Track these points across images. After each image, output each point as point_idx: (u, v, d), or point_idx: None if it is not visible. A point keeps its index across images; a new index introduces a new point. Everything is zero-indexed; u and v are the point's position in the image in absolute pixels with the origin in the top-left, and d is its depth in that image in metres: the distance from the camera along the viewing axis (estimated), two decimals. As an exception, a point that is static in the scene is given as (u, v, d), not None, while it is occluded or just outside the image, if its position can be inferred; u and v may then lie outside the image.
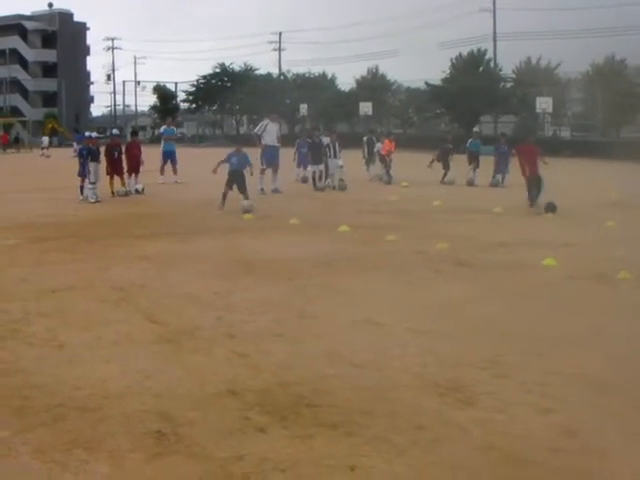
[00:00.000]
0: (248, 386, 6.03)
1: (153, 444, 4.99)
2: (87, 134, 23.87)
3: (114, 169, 22.22)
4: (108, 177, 22.20)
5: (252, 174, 19.48)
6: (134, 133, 27.64)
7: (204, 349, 7.08)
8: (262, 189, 22.76)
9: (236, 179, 18.53)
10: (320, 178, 25.09)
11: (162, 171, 27.21)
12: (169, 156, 27.34)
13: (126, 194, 22.23)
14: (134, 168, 23.33)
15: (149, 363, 6.65)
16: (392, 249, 12.93)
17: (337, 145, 26.29)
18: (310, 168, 25.84)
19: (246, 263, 11.49)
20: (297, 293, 9.44)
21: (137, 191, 22.93)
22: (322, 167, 25.34)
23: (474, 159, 27.75)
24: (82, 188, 21.02)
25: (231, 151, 19.24)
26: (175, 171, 27.14)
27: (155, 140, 75.68)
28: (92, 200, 20.28)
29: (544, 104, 58.46)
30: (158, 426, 5.25)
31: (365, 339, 7.42)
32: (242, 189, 18.47)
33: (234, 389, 5.96)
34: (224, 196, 18.38)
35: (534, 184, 19.24)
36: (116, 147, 22.71)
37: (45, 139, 61.33)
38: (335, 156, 25.82)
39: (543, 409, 5.62)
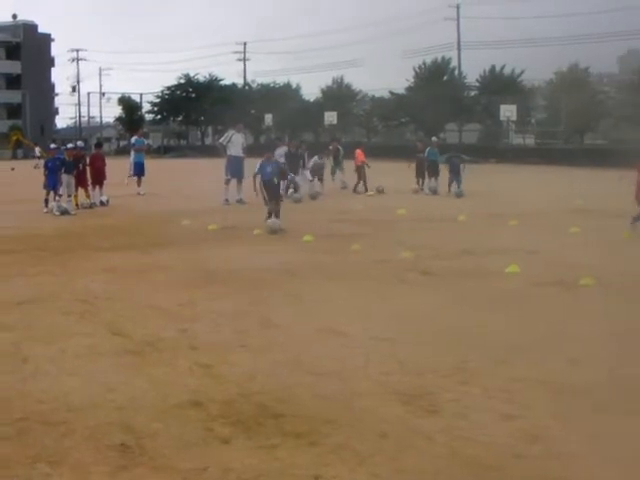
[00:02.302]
0: (212, 397, 6.03)
1: (117, 457, 4.98)
2: (52, 146, 23.72)
3: (79, 181, 22.08)
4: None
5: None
6: (98, 145, 27.48)
7: (168, 361, 7.07)
8: (227, 200, 22.76)
9: (272, 190, 17.08)
10: (296, 189, 24.65)
11: (139, 182, 27.00)
12: (139, 167, 27.18)
13: (90, 206, 22.14)
14: (98, 180, 23.16)
15: (113, 375, 6.62)
16: (356, 258, 12.95)
17: (306, 156, 26.23)
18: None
19: (210, 274, 11.47)
20: (261, 303, 9.44)
21: (102, 203, 22.82)
22: (298, 178, 24.98)
23: (434, 168, 27.83)
24: (47, 201, 20.90)
25: (262, 160, 17.53)
26: (139, 183, 26.99)
27: (121, 152, 75.30)
28: (57, 213, 20.17)
29: (508, 112, 58.91)
30: (122, 439, 5.24)
31: (329, 348, 7.44)
32: (276, 201, 16.99)
33: (198, 400, 5.96)
34: (271, 213, 16.80)
35: None
36: (80, 159, 22.58)
37: (37, 149, 60.17)
38: (304, 166, 25.70)
39: (506, 415, 5.67)
